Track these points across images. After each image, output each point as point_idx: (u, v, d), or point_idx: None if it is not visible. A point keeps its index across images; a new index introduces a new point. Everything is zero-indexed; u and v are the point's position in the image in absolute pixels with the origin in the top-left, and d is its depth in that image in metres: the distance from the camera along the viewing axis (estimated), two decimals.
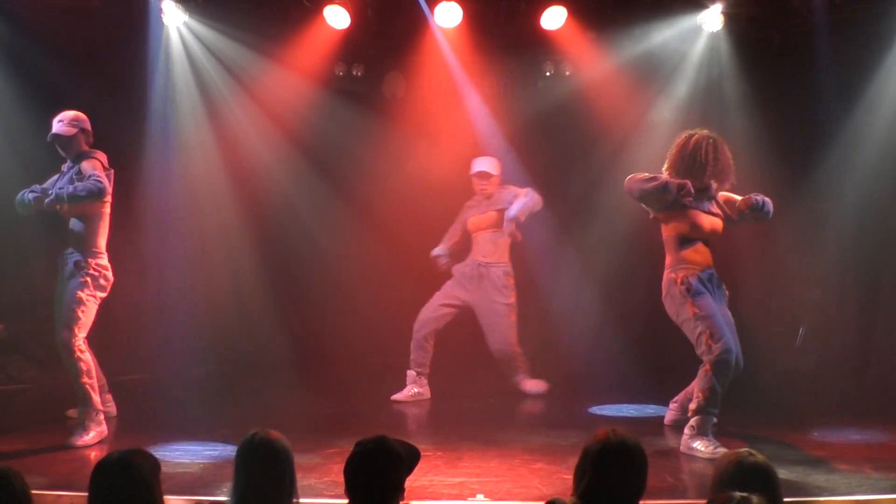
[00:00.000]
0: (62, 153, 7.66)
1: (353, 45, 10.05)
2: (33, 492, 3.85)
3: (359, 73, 10.40)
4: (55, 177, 7.71)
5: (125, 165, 9.71)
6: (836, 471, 6.44)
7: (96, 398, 7.43)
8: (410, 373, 9.13)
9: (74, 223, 7.61)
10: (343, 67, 10.30)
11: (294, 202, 10.58)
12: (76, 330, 7.37)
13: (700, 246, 7.25)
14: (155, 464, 3.94)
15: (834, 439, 7.27)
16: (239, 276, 10.62)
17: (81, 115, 7.71)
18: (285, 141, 10.35)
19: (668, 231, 7.32)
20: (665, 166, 7.34)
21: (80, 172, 7.48)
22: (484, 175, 9.26)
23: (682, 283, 7.11)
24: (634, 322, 10.20)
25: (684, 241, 7.24)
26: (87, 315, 7.47)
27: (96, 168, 7.50)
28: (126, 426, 7.84)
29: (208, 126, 10.19)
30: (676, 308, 7.18)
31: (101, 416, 7.46)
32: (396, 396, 9.04)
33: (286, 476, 4.06)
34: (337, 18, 9.53)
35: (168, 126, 10.07)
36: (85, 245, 7.55)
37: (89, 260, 7.51)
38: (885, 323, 9.77)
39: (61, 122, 7.60)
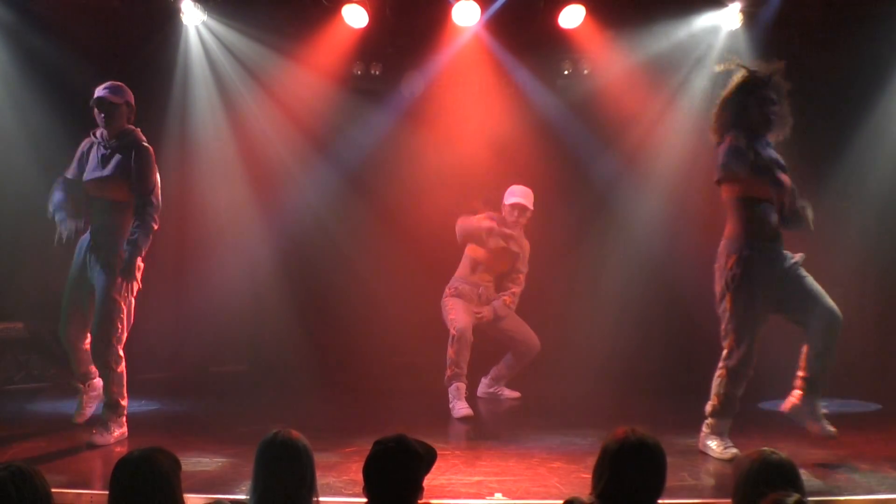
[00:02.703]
0: (100, 122, 7.23)
1: (371, 44, 10.06)
2: (53, 490, 3.87)
3: (377, 72, 10.40)
4: (79, 155, 7.39)
5: None
6: (857, 470, 6.42)
7: (124, 403, 7.31)
8: (462, 385, 8.52)
9: (104, 210, 7.27)
10: (361, 66, 10.31)
11: (312, 201, 10.59)
12: (114, 342, 7.12)
13: (769, 210, 6.65)
14: (175, 462, 3.95)
15: (854, 438, 7.24)
16: (257, 274, 10.63)
17: (127, 88, 7.34)
18: (303, 140, 10.37)
19: (732, 192, 6.69)
20: (712, 125, 6.83)
21: (126, 166, 7.15)
22: (521, 208, 8.88)
23: (730, 269, 6.62)
24: (654, 320, 10.19)
25: (751, 204, 6.64)
26: (126, 321, 7.19)
27: (153, 176, 7.20)
28: (146, 424, 7.86)
29: (226, 125, 10.23)
30: (720, 287, 6.71)
31: (124, 419, 7.36)
32: (464, 413, 8.35)
33: (307, 475, 4.06)
34: (355, 17, 9.55)
35: (186, 125, 10.11)
36: (118, 235, 7.19)
37: (122, 253, 7.12)
38: None
39: (108, 89, 7.19)
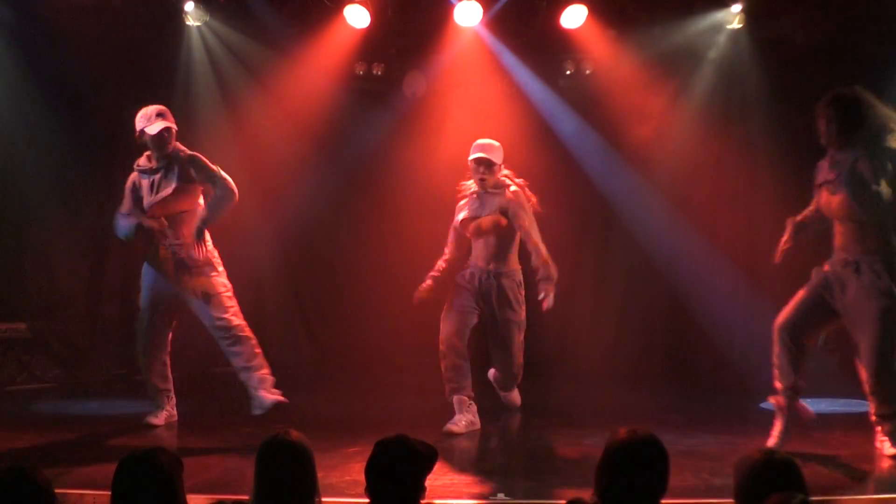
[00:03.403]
0: (156, 150, 7.53)
1: (373, 44, 10.07)
2: (56, 490, 3.87)
3: (379, 72, 10.41)
4: (129, 190, 7.65)
5: None
6: (860, 469, 6.42)
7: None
8: (458, 398, 7.72)
9: (176, 223, 7.61)
10: (363, 66, 10.32)
11: (314, 201, 10.59)
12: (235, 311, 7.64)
13: (830, 226, 6.86)
14: (177, 462, 3.95)
15: (856, 438, 7.23)
16: (260, 274, 10.63)
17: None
18: (306, 140, 10.36)
19: None
20: None
21: (185, 177, 7.50)
22: (484, 162, 7.67)
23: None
24: (657, 321, 10.19)
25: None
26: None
27: (212, 167, 7.57)
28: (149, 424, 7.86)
29: (228, 125, 10.22)
30: None
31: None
32: (450, 427, 7.60)
33: (307, 476, 4.06)
34: (357, 17, 9.55)
35: (189, 124, 10.09)
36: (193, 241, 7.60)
37: (205, 247, 7.60)
38: None
39: (165, 117, 7.53)
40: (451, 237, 8.08)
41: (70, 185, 9.82)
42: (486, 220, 7.73)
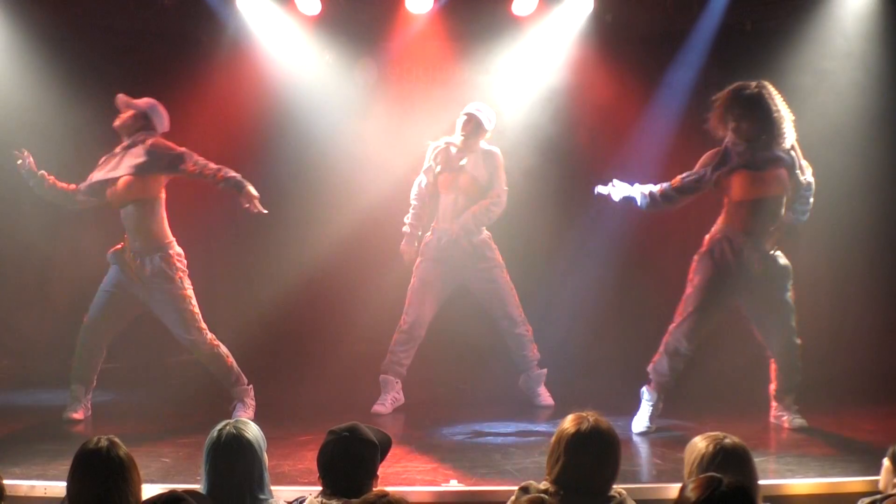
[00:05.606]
0: None
1: (324, 32, 10.01)
2: (5, 482, 3.85)
3: (330, 60, 10.35)
4: None
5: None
6: (808, 454, 6.50)
7: (242, 376, 7.77)
8: (390, 378, 8.18)
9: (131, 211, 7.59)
10: (314, 54, 10.25)
11: (267, 189, 10.48)
12: (202, 326, 7.63)
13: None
14: (128, 454, 3.94)
15: (806, 423, 7.31)
16: (212, 259, 10.55)
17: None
18: (256, 129, 10.27)
19: None
20: None
21: None
22: (474, 121, 8.12)
23: None
24: (609, 306, 10.23)
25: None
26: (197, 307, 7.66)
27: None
28: (104, 415, 7.81)
29: (177, 117, 10.09)
30: None
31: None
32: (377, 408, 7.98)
33: (255, 467, 4.05)
34: (308, 5, 9.50)
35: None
36: (156, 237, 7.62)
37: (170, 253, 7.62)
38: (855, 312, 9.88)
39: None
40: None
41: (15, 172, 9.71)
42: (461, 178, 8.15)
